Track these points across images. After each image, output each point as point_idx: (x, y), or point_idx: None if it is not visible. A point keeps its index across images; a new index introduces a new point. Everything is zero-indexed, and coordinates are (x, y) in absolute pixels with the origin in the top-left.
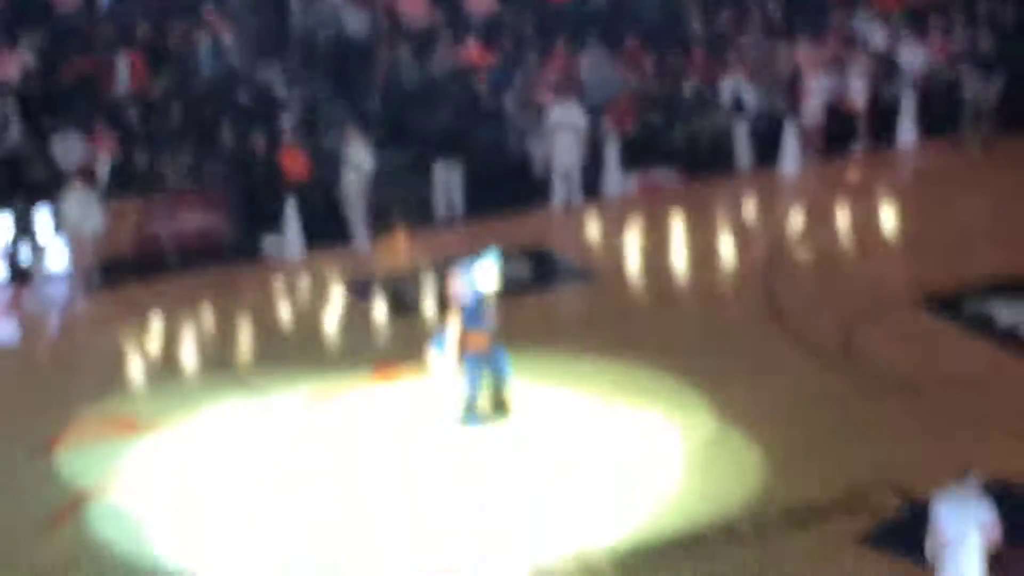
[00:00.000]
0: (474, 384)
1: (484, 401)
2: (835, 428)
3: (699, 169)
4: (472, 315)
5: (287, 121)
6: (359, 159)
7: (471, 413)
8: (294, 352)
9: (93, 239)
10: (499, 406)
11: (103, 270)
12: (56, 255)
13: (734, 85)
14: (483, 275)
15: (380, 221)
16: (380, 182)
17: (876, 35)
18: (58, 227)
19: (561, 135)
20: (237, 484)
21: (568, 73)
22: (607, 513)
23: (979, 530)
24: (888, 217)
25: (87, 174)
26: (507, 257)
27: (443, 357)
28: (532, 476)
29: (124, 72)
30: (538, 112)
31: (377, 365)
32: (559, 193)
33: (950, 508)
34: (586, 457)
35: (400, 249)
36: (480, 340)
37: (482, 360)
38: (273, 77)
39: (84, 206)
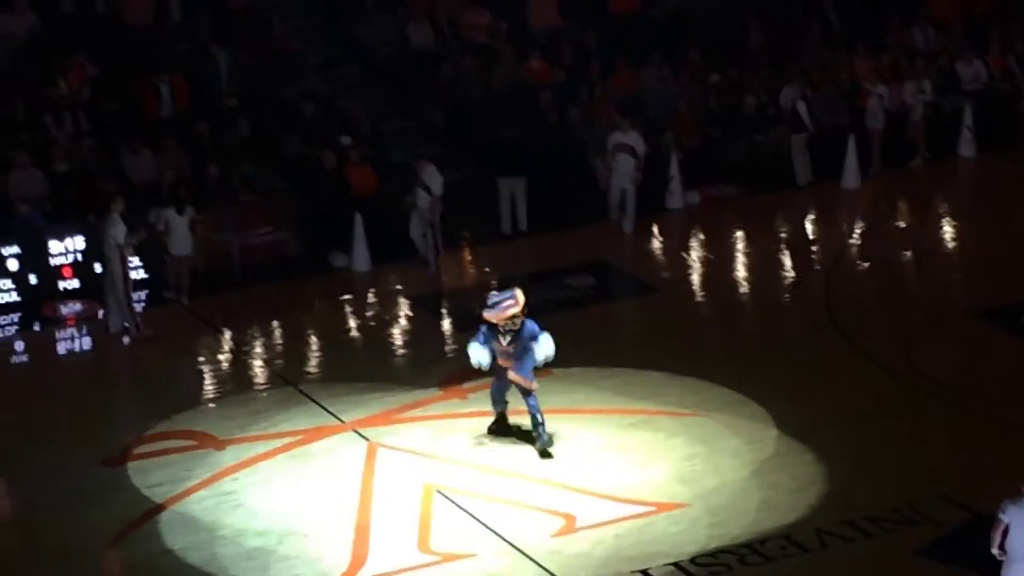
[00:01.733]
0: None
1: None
2: (895, 439)
3: (761, 183)
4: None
5: (352, 138)
6: (432, 185)
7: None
8: (363, 367)
9: (188, 259)
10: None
11: (162, 281)
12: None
13: (794, 98)
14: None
15: (446, 236)
16: (445, 197)
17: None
18: (111, 247)
19: (620, 159)
20: (308, 497)
21: (630, 92)
22: (670, 523)
23: None
24: (946, 230)
25: (178, 193)
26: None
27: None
28: (593, 485)
29: (167, 94)
30: (600, 130)
31: (445, 380)
32: (614, 214)
33: (1018, 520)
34: (647, 468)
35: (466, 264)
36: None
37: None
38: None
39: (163, 222)
